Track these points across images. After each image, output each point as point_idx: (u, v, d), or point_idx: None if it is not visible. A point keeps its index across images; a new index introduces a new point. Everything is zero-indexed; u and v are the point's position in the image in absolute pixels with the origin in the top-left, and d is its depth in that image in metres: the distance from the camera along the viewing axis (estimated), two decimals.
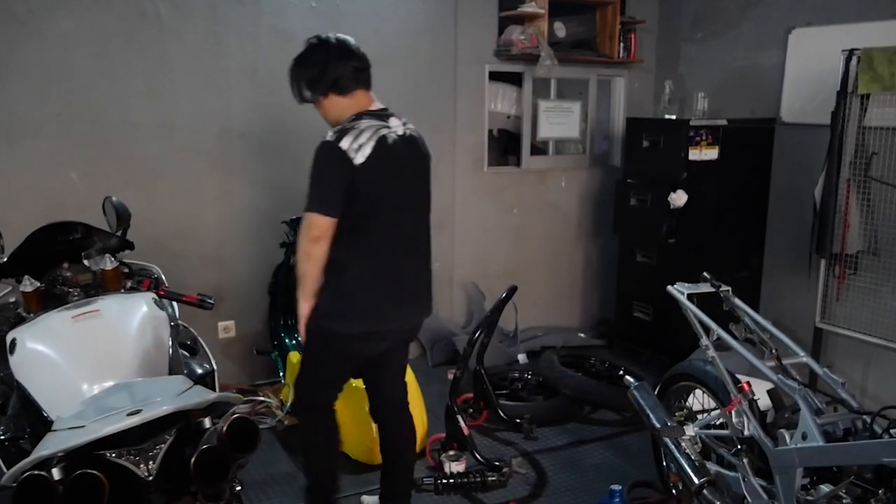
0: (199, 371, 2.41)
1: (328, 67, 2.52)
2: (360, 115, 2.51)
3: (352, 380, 3.51)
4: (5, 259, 2.33)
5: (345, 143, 2.42)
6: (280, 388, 4.10)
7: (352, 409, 3.50)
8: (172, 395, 1.90)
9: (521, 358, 4.76)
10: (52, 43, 3.60)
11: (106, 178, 3.79)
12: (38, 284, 2.29)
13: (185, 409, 1.88)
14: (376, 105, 2.59)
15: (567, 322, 5.32)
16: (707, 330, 2.64)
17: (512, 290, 3.51)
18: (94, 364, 2.03)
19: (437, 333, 4.78)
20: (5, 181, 3.62)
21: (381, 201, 2.50)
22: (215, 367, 2.50)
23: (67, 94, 3.67)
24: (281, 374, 4.21)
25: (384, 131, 2.49)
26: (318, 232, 2.43)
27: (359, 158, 2.41)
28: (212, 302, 2.46)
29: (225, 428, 1.83)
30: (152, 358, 2.13)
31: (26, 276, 2.27)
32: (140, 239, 3.76)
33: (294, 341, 4.20)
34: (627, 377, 2.85)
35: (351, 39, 2.59)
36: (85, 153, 3.76)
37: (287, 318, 4.30)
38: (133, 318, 2.16)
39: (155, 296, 2.30)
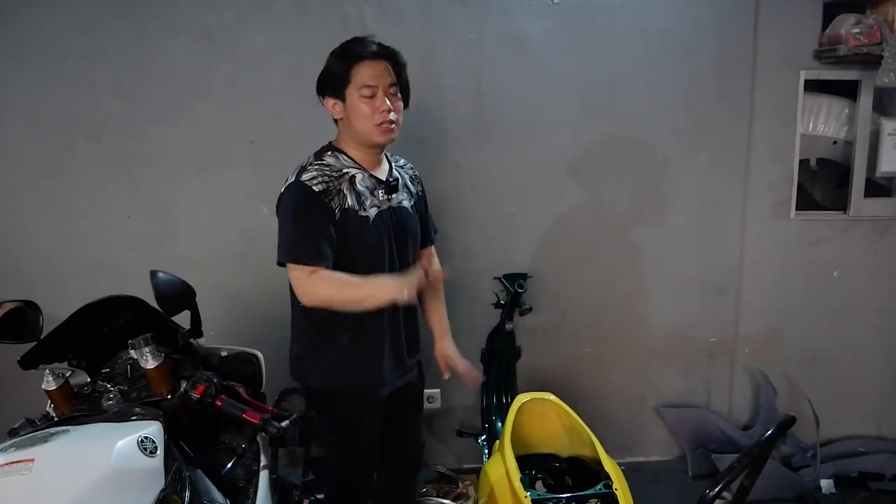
0: None
1: None
2: None
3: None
4: (35, 342, 1.79)
5: None
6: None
7: None
8: None
9: (826, 486, 3.36)
10: (244, 60, 3.16)
11: None
12: (63, 380, 1.72)
13: None
14: None
15: None
16: None
17: (787, 424, 2.20)
18: None
19: (704, 433, 3.55)
20: (193, 214, 3.26)
21: None
22: None
23: (259, 117, 3.21)
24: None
25: None
26: None
27: None
28: (280, 427, 1.69)
29: None
30: None
31: (47, 369, 1.70)
32: None
33: None
34: None
35: None
36: (278, 186, 3.26)
37: (502, 395, 3.46)
38: (78, 479, 1.34)
39: (159, 429, 1.53)
